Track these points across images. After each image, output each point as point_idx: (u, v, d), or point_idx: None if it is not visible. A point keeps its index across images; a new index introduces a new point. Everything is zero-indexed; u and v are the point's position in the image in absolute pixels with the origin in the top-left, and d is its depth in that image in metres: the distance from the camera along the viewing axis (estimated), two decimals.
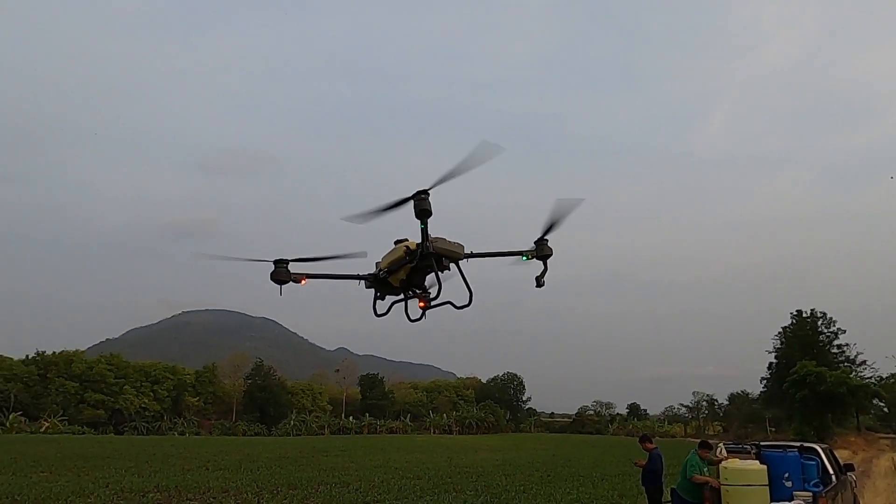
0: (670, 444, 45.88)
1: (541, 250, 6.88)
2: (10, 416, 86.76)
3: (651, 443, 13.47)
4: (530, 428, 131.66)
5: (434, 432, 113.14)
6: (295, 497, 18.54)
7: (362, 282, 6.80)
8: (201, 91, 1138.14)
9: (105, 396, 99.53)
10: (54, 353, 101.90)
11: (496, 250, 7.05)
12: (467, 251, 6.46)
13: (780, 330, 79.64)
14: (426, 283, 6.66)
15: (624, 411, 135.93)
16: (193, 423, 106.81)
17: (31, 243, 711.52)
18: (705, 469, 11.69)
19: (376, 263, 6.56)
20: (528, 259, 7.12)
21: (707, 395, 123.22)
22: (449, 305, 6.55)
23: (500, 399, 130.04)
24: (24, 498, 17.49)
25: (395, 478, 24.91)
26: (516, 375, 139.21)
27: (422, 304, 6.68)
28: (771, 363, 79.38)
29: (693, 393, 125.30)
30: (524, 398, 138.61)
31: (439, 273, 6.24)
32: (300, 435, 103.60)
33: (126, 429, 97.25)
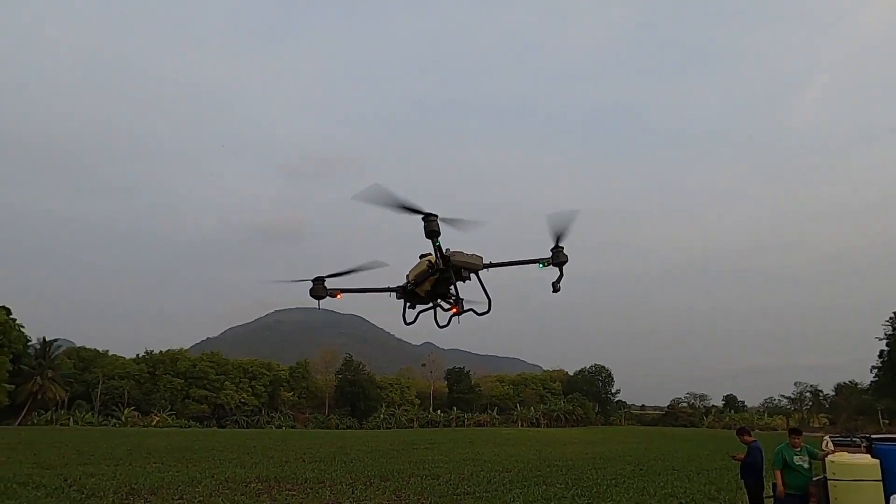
0: (771, 438, 43.67)
1: (556, 258, 7.14)
2: (126, 411, 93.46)
3: (750, 435, 12.95)
4: (620, 421, 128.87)
5: (521, 425, 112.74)
6: (387, 489, 18.97)
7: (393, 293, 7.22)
8: (287, 99, 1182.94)
9: (208, 392, 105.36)
10: (161, 352, 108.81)
11: (515, 259, 7.32)
12: (486, 261, 6.72)
13: (893, 315, 74.01)
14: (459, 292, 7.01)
15: (719, 403, 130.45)
16: (289, 416, 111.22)
17: (135, 250, 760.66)
18: (797, 458, 11.21)
19: (406, 276, 6.92)
20: (544, 266, 7.37)
21: (811, 385, 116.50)
22: (471, 312, 7.00)
23: (588, 391, 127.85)
24: (140, 487, 18.79)
25: (485, 470, 25.02)
26: (604, 367, 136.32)
27: (454, 310, 6.95)
28: (882, 351, 73.97)
29: (795, 384, 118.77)
30: (613, 390, 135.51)
31: (456, 284, 6.53)
32: (390, 428, 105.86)
33: (228, 422, 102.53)
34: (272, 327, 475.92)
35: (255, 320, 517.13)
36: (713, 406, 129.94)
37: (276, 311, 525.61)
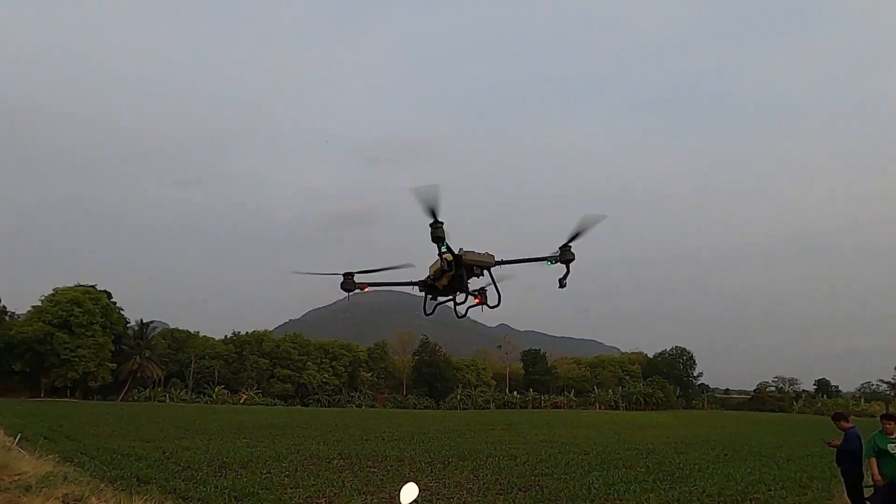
0: (868, 424, 41.31)
1: (564, 255, 7.25)
2: (216, 389, 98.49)
3: (847, 421, 12.27)
4: (703, 405, 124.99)
5: (599, 408, 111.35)
6: (465, 468, 19.15)
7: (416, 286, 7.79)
8: (361, 87, 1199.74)
9: (291, 372, 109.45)
10: (247, 333, 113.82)
11: (525, 257, 7.64)
12: (498, 259, 7.18)
13: None
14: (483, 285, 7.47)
15: (811, 388, 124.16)
16: (368, 396, 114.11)
17: (221, 237, 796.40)
18: (891, 446, 10.55)
19: (430, 267, 7.37)
20: (552, 264, 7.62)
21: None
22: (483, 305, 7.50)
23: (669, 374, 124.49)
24: (230, 461, 19.76)
25: (562, 453, 24.86)
26: (685, 350, 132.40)
27: (477, 300, 7.32)
28: None
29: None
30: (695, 373, 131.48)
31: (466, 280, 7.02)
32: (466, 409, 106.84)
33: (310, 401, 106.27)
34: (350, 309, 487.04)
35: (333, 303, 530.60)
36: (804, 391, 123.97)
37: (354, 293, 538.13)
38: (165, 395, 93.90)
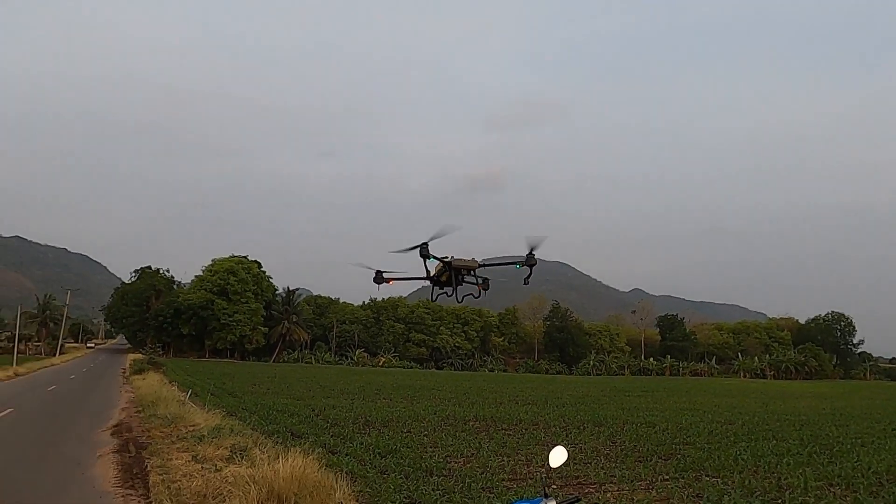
0: None
1: (529, 260, 8.59)
2: (357, 352, 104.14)
3: None
4: (864, 375, 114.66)
5: (744, 376, 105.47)
6: (601, 434, 18.91)
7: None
8: (487, 49, 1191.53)
9: (425, 336, 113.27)
10: (384, 299, 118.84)
11: (499, 261, 9.32)
12: (480, 261, 8.81)
13: None
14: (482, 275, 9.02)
15: None
16: (500, 360, 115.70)
17: (358, 206, 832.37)
18: None
19: (435, 267, 8.89)
20: (520, 267, 9.02)
21: None
22: (471, 296, 9.08)
23: (824, 342, 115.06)
24: (373, 419, 20.86)
25: (704, 421, 23.82)
26: (843, 315, 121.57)
27: (479, 287, 8.93)
28: None
29: None
30: (855, 341, 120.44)
31: (455, 279, 8.51)
32: (600, 375, 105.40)
33: (444, 364, 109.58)
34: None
35: None
36: None
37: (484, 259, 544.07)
38: (311, 357, 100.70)
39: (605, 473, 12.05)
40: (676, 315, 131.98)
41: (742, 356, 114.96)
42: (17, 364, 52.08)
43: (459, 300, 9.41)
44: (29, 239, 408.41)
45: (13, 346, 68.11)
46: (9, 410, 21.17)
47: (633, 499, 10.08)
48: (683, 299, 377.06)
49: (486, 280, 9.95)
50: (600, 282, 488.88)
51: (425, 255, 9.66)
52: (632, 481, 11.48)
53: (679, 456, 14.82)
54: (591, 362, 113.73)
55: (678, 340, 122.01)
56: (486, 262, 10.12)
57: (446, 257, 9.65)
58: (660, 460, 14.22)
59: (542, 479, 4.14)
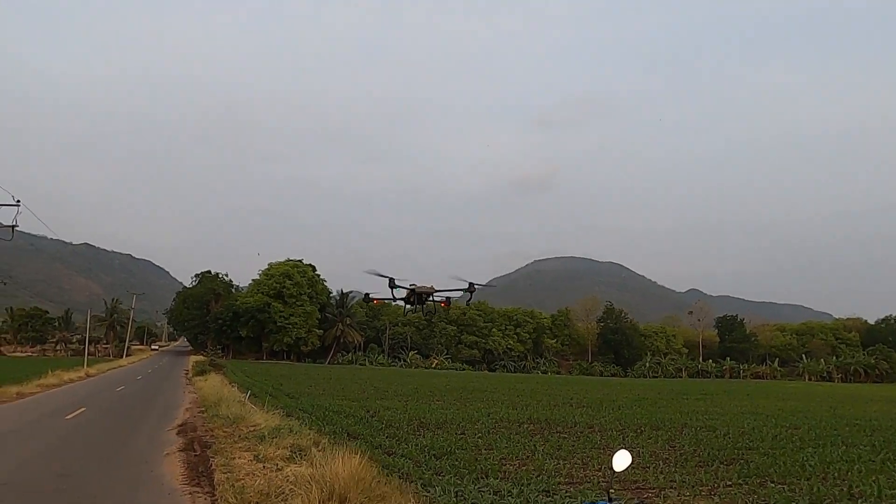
0: None
1: (470, 287, 12.33)
2: (409, 354, 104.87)
3: None
4: None
5: (808, 379, 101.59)
6: (660, 437, 18.52)
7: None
8: (537, 48, 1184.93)
9: (477, 338, 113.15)
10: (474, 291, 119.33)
11: (446, 288, 15.17)
12: (437, 288, 13.65)
13: None
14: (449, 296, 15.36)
15: None
16: (553, 362, 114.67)
17: (405, 209, 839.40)
18: None
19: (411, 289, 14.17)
20: (464, 293, 13.85)
21: None
22: (439, 305, 15.27)
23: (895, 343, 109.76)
24: (427, 421, 20.98)
25: (767, 426, 23.03)
26: None
27: (444, 304, 13.61)
28: None
29: None
30: None
31: (425, 300, 13.66)
32: (656, 377, 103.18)
33: (497, 367, 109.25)
34: (532, 276, 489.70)
35: (515, 270, 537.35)
36: None
37: (535, 261, 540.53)
38: (365, 359, 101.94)
39: (664, 478, 11.81)
40: (736, 316, 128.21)
41: (807, 358, 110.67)
42: (87, 365, 54.50)
43: (424, 315, 16.78)
44: (97, 246, 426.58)
45: (84, 348, 71.34)
46: (82, 409, 22.21)
47: None
48: (743, 300, 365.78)
49: (448, 299, 16.43)
50: (655, 282, 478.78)
51: (392, 286, 14.98)
52: (693, 486, 11.21)
53: (742, 461, 14.40)
54: (647, 364, 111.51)
55: (738, 342, 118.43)
56: (439, 290, 16.31)
57: (413, 285, 15.47)
58: (722, 465, 13.84)
59: (605, 482, 4.12)
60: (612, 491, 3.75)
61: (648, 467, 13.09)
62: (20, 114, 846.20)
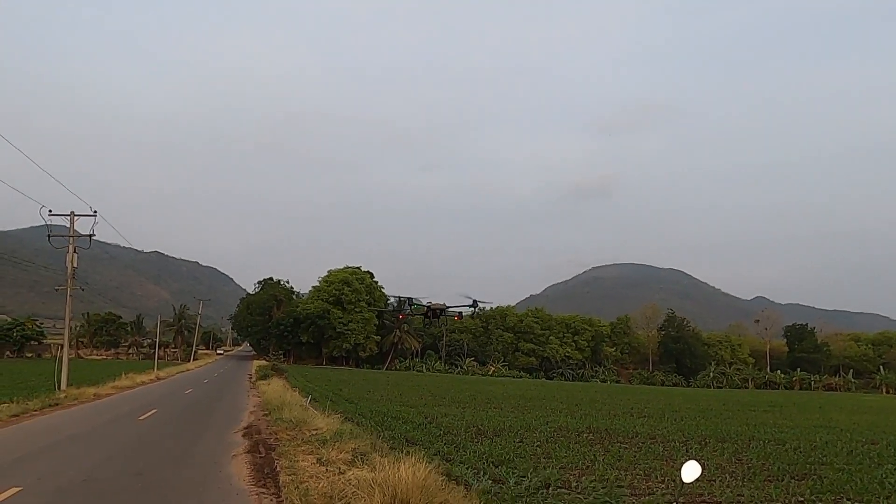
0: None
1: (474, 304, 21.70)
2: (466, 361, 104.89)
3: None
4: None
5: (886, 392, 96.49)
6: (725, 450, 17.93)
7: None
8: (594, 52, 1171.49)
9: (534, 346, 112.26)
10: (491, 308, 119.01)
11: (456, 305, 30.46)
12: (448, 305, 26.56)
13: None
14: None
15: None
16: (612, 371, 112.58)
17: (463, 217, 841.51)
18: None
19: (424, 306, 28.37)
20: (471, 307, 26.18)
21: None
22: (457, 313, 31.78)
23: None
24: (485, 428, 20.95)
25: (842, 440, 21.99)
26: None
27: (457, 317, 33.91)
28: None
29: None
30: None
31: (437, 315, 27.99)
32: (721, 387, 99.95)
33: (554, 375, 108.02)
34: (591, 283, 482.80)
35: (573, 277, 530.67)
36: None
37: (593, 267, 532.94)
38: (422, 365, 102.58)
39: (731, 492, 11.43)
40: (806, 325, 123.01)
41: (885, 370, 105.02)
42: (157, 369, 56.84)
43: (439, 328, 43.61)
44: (166, 253, 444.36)
45: (154, 352, 74.37)
46: (154, 411, 23.19)
47: None
48: (813, 308, 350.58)
49: (461, 312, 33.85)
50: (719, 290, 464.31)
51: (410, 304, 31.09)
52: (762, 502, 10.82)
53: (815, 476, 13.80)
54: (711, 374, 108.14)
55: (808, 352, 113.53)
56: (450, 306, 30.43)
57: (429, 303, 30.07)
58: (793, 480, 13.30)
59: (669, 493, 4.06)
60: (679, 501, 3.69)
61: (714, 480, 12.71)
62: (97, 128, 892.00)
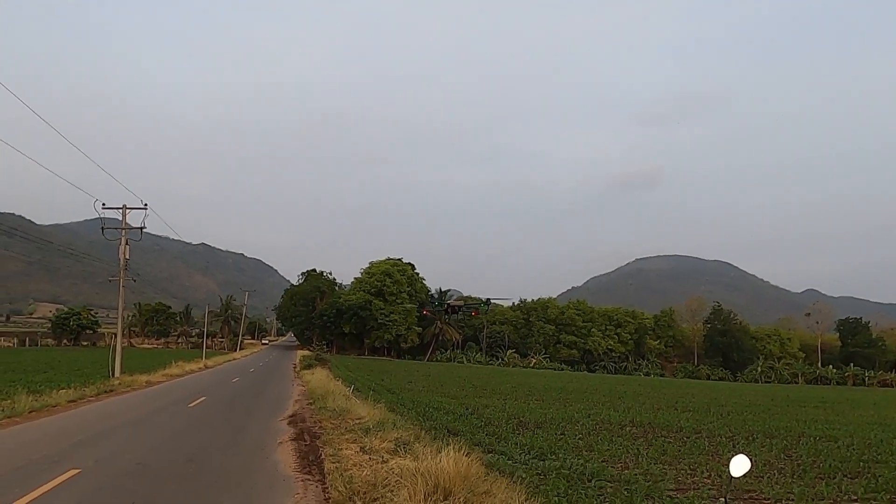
0: None
1: (488, 302, 54.41)
2: (507, 353, 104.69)
3: None
4: None
5: None
6: (774, 446, 17.50)
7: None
8: (637, 43, 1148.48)
9: (576, 338, 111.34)
10: (533, 300, 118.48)
11: (473, 301, 67.35)
12: (468, 302, 57.03)
13: None
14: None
15: None
16: (656, 364, 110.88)
17: (506, 210, 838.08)
18: None
19: (446, 302, 58.03)
20: (487, 305, 60.90)
21: None
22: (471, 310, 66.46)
23: None
24: (527, 420, 20.91)
25: None
26: None
27: (474, 313, 57.19)
28: None
29: None
30: None
31: (455, 311, 66.22)
32: (769, 382, 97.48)
33: (596, 367, 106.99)
34: (634, 275, 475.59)
35: (615, 269, 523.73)
36: None
37: (636, 259, 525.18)
38: (463, 357, 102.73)
39: (781, 489, 11.17)
40: (860, 318, 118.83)
41: None
42: (205, 358, 58.40)
43: (459, 319, 58.82)
44: (213, 245, 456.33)
45: (202, 342, 76.39)
46: (203, 398, 23.87)
47: None
48: (868, 301, 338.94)
49: (479, 306, 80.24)
50: (768, 282, 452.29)
51: (434, 304, 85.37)
52: (813, 499, 10.54)
53: (869, 475, 13.36)
54: (759, 369, 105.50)
55: (862, 347, 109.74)
56: (468, 303, 79.99)
57: (449, 300, 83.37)
58: (846, 478, 12.91)
59: (714, 489, 3.99)
60: (729, 494, 3.63)
61: (762, 476, 12.44)
62: (148, 124, 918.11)
